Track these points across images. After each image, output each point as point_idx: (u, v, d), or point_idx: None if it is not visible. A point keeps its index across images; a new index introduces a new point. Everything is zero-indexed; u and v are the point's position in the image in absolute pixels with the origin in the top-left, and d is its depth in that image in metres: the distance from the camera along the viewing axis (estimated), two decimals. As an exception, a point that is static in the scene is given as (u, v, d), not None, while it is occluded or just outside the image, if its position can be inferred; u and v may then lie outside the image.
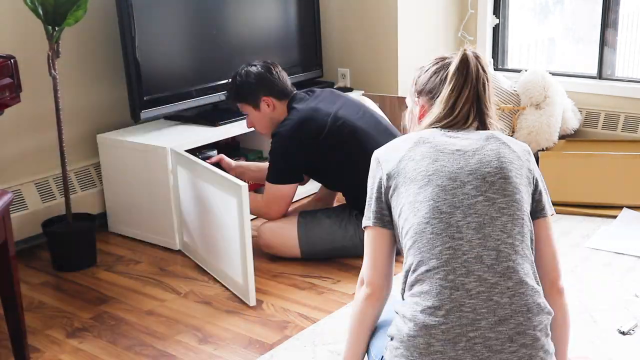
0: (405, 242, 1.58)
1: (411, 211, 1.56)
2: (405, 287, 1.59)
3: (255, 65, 2.97)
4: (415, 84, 1.81)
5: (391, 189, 1.63)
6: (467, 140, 1.63)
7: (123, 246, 3.22)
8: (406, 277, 1.59)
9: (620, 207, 3.29)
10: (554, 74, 3.95)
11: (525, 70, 3.97)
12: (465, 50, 1.68)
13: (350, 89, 4.03)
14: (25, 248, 3.16)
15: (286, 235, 2.94)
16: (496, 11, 4.30)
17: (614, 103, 3.96)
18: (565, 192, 3.36)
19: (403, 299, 1.61)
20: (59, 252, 2.98)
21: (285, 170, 2.91)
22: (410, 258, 1.57)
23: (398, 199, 1.61)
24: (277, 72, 2.97)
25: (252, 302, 2.61)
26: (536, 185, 1.64)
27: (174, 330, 2.50)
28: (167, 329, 2.51)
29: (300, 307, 2.61)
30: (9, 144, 3.10)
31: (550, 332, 1.56)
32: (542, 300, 1.54)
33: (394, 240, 1.68)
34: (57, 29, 2.76)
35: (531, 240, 1.59)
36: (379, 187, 1.66)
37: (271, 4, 3.75)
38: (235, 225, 2.59)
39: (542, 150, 3.76)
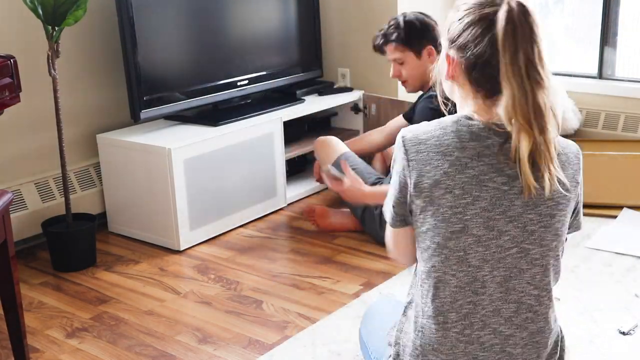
0: (427, 272, 1.49)
1: (438, 254, 1.45)
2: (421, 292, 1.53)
3: (419, 14, 2.98)
4: (448, 31, 1.50)
5: (418, 207, 1.46)
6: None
7: (123, 246, 3.22)
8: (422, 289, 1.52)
9: (620, 207, 3.29)
10: (554, 74, 3.93)
11: (526, 70, 3.97)
12: (509, 3, 1.42)
13: (350, 89, 4.03)
14: (25, 248, 3.16)
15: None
16: (496, 11, 4.28)
17: (614, 103, 3.95)
18: (565, 192, 3.35)
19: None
20: (59, 252, 2.98)
21: None
22: (427, 288, 1.49)
23: (425, 224, 1.46)
24: (437, 26, 2.96)
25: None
26: (578, 198, 1.51)
27: (173, 330, 2.50)
28: (167, 329, 2.51)
29: (300, 307, 2.61)
30: (9, 144, 3.10)
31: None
32: (551, 339, 1.51)
33: None
34: (57, 29, 2.76)
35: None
36: (404, 190, 1.48)
37: (271, 4, 3.74)
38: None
39: (542, 150, 3.75)
